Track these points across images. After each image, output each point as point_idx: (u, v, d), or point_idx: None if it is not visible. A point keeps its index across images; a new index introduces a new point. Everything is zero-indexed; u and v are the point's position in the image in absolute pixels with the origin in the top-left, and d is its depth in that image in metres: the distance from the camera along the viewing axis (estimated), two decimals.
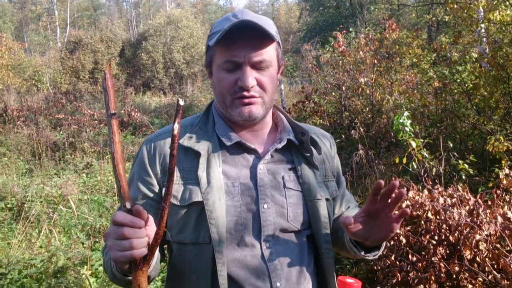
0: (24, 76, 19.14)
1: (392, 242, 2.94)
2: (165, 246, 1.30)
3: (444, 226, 2.83)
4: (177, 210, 1.19)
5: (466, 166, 4.14)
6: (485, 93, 5.71)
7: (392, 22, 8.11)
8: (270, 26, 1.19)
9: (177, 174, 1.20)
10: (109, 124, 0.91)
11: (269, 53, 1.20)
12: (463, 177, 4.21)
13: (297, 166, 1.28)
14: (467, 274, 2.60)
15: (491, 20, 5.42)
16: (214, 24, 1.24)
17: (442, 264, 2.67)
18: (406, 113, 4.04)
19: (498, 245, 2.63)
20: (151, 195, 1.23)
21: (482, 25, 5.90)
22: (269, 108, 1.27)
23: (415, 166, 4.02)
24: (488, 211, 2.82)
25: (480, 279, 2.58)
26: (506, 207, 2.87)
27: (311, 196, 1.26)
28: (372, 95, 7.65)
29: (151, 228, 0.97)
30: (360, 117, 7.66)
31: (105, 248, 1.23)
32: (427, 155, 4.08)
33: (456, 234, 2.72)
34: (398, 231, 2.89)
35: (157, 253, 1.13)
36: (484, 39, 5.98)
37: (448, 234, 2.77)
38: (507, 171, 3.35)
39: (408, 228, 2.97)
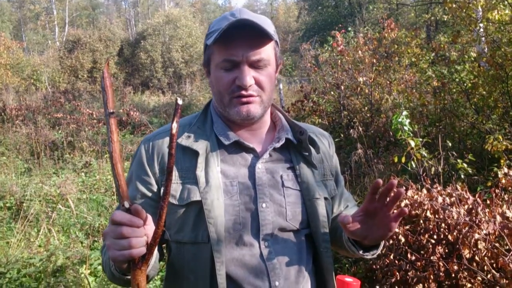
0: (23, 75, 19.11)
1: (391, 241, 2.94)
2: (164, 245, 1.30)
3: (443, 225, 2.83)
4: (175, 210, 1.19)
5: (465, 165, 4.14)
6: (484, 92, 5.72)
7: (391, 21, 8.12)
8: (268, 25, 1.19)
9: (175, 174, 1.20)
10: (108, 123, 0.91)
11: (267, 52, 1.20)
12: (462, 176, 4.22)
13: (295, 165, 1.28)
14: (466, 273, 2.60)
15: (490, 19, 5.43)
16: (212, 23, 1.24)
17: (441, 263, 2.67)
18: (404, 112, 4.04)
19: (497, 244, 2.63)
20: (149, 194, 1.23)
21: (481, 25, 5.91)
22: (267, 107, 1.27)
23: (414, 165, 4.02)
24: (487, 210, 2.82)
25: (479, 278, 2.58)
26: (504, 206, 2.87)
27: (309, 195, 1.26)
28: (371, 94, 7.65)
29: (150, 227, 0.97)
30: (359, 117, 7.66)
31: (103, 248, 1.23)
32: (426, 154, 4.08)
33: (455, 233, 2.73)
34: (397, 230, 2.90)
35: (156, 252, 1.13)
36: (483, 38, 5.99)
37: (447, 233, 2.78)
38: (505, 170, 3.35)
39: (407, 227, 2.97)
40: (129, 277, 1.02)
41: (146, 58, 22.17)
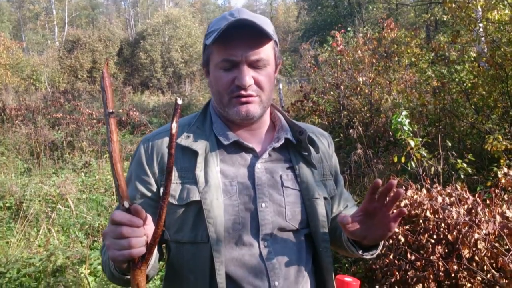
0: (22, 75, 19.11)
1: (390, 241, 2.94)
2: (163, 245, 1.30)
3: (443, 225, 2.83)
4: (175, 209, 1.19)
5: (465, 165, 4.14)
6: (484, 92, 5.72)
7: (391, 21, 8.12)
8: (267, 24, 1.19)
9: (175, 174, 1.20)
10: (107, 123, 0.91)
11: (266, 52, 1.20)
12: (462, 176, 4.22)
13: (295, 165, 1.28)
14: (465, 273, 2.60)
15: (489, 19, 5.43)
16: (211, 23, 1.24)
17: (440, 263, 2.67)
18: (404, 112, 4.04)
19: (496, 244, 2.63)
20: (149, 194, 1.23)
21: (481, 25, 5.91)
22: (267, 107, 1.27)
23: (413, 165, 4.02)
24: (486, 210, 2.82)
25: (479, 277, 2.58)
26: (504, 206, 2.88)
27: (309, 195, 1.26)
28: (371, 94, 7.65)
29: (150, 227, 0.97)
30: (359, 116, 7.66)
31: (103, 247, 1.23)
32: (425, 154, 4.09)
33: (454, 233, 2.73)
34: (396, 230, 2.90)
35: (155, 252, 1.13)
36: (483, 38, 5.99)
37: (446, 233, 2.78)
38: (505, 170, 3.36)
39: (407, 227, 2.97)
40: (128, 277, 1.02)
41: (146, 58, 22.16)
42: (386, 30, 7.94)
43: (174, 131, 0.86)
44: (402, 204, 3.02)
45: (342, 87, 7.94)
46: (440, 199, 2.97)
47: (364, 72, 7.59)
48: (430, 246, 2.77)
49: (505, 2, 5.39)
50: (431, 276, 2.65)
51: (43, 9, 38.87)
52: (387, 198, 1.11)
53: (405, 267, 2.79)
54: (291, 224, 1.23)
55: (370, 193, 1.11)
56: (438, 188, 3.18)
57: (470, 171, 4.21)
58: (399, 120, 3.97)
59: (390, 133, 6.26)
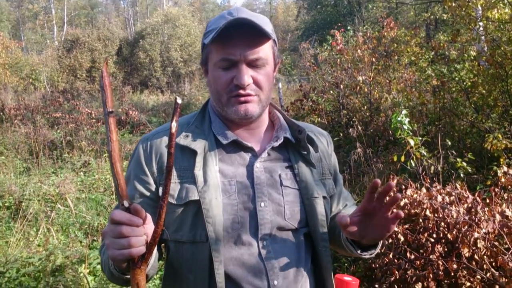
0: (21, 75, 19.09)
1: (390, 240, 2.94)
2: (163, 245, 1.30)
3: (442, 224, 2.83)
4: (173, 209, 1.19)
5: (464, 164, 4.14)
6: (484, 91, 5.72)
7: (390, 20, 8.11)
8: (266, 24, 1.19)
9: (173, 173, 1.20)
10: (107, 123, 0.90)
11: (265, 51, 1.20)
12: (461, 175, 4.22)
13: (294, 164, 1.28)
14: (465, 272, 2.60)
15: (490, 18, 5.42)
16: (210, 22, 1.24)
17: (440, 262, 2.67)
18: (404, 111, 4.05)
19: (496, 243, 2.63)
20: (148, 194, 1.23)
21: (481, 23, 5.90)
22: (266, 106, 1.27)
23: (413, 164, 4.02)
24: (486, 209, 2.82)
25: (478, 276, 2.58)
26: (504, 205, 2.87)
27: (308, 194, 1.26)
28: (370, 93, 7.65)
29: (149, 226, 0.97)
30: (358, 116, 7.66)
31: (102, 247, 1.23)
32: (425, 153, 4.09)
33: (454, 232, 2.72)
34: (396, 229, 2.89)
35: (155, 251, 1.13)
36: (483, 37, 5.98)
37: (446, 232, 2.78)
38: (505, 169, 3.36)
39: (406, 226, 2.97)
40: (128, 276, 1.02)
41: (145, 57, 22.14)
42: (386, 29, 7.93)
43: (174, 130, 0.85)
44: (402, 203, 3.02)
45: (341, 86, 7.94)
46: (439, 198, 2.97)
47: (364, 71, 7.58)
48: (430, 245, 2.77)
49: (505, 1, 5.39)
50: (431, 275, 2.65)
51: (42, 9, 38.84)
52: (386, 198, 1.11)
53: (405, 266, 2.79)
54: (290, 223, 1.23)
55: (369, 192, 1.11)
56: (438, 187, 3.18)
57: (469, 170, 4.21)
58: (399, 119, 3.97)
59: (390, 132, 6.26)
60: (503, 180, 3.28)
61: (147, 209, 1.07)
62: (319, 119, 8.10)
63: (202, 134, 1.25)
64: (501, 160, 4.13)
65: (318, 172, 1.31)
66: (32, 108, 11.41)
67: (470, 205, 2.88)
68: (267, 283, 1.17)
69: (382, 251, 2.97)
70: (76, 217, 5.01)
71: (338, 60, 8.14)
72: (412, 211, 2.98)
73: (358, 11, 20.13)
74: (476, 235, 2.63)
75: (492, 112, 5.72)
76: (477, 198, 2.92)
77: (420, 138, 4.14)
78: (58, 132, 9.29)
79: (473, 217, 2.73)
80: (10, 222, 4.89)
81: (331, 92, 8.33)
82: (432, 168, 4.21)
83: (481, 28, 6.05)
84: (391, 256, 2.90)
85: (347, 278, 1.21)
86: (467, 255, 2.63)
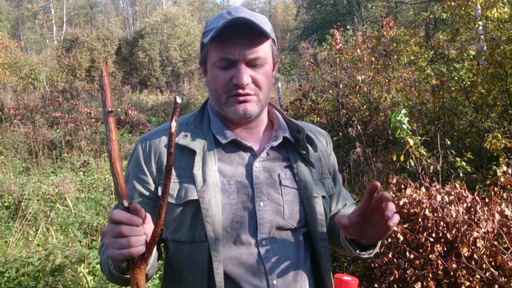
0: (21, 74, 19.07)
1: (389, 240, 2.94)
2: (162, 244, 1.30)
3: (442, 223, 2.83)
4: (173, 209, 1.19)
5: (464, 163, 4.14)
6: (483, 90, 5.72)
7: (390, 19, 8.10)
8: (264, 23, 1.19)
9: (173, 173, 1.20)
10: (106, 122, 0.90)
11: (264, 51, 1.20)
12: (461, 174, 4.22)
13: (293, 164, 1.28)
14: (464, 272, 2.61)
15: (489, 17, 5.42)
16: (209, 22, 1.24)
17: (439, 262, 2.67)
18: (403, 111, 4.04)
19: (495, 243, 2.63)
20: (147, 193, 1.23)
21: (480, 23, 5.90)
22: (264, 106, 1.27)
23: (412, 164, 4.02)
24: (485, 208, 2.82)
25: (478, 276, 2.58)
26: (503, 204, 2.87)
27: (307, 194, 1.26)
28: (370, 92, 7.65)
29: (149, 226, 0.97)
30: (358, 115, 7.66)
31: (101, 247, 1.23)
32: (424, 153, 4.09)
33: (453, 232, 2.73)
34: (395, 228, 2.90)
35: (154, 251, 1.12)
36: (482, 36, 5.98)
37: (445, 232, 2.78)
38: (504, 168, 3.36)
39: (406, 225, 2.97)
40: (128, 276, 1.02)
41: (144, 57, 22.12)
42: (385, 28, 7.93)
43: (173, 129, 0.85)
44: (401, 203, 3.02)
45: (341, 86, 7.93)
46: (439, 197, 2.97)
47: (363, 71, 7.58)
48: (429, 244, 2.78)
49: (505, 0, 5.39)
50: (430, 275, 2.65)
51: (41, 8, 38.81)
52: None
53: (404, 265, 2.79)
54: (289, 223, 1.23)
55: (368, 193, 1.10)
56: (437, 187, 3.18)
57: (469, 170, 4.21)
58: (398, 118, 3.97)
59: (389, 131, 6.25)
60: (502, 179, 3.28)
61: (146, 208, 1.07)
62: (318, 118, 8.10)
63: (201, 134, 1.25)
64: (501, 159, 4.13)
65: (317, 171, 1.31)
66: (31, 107, 11.41)
67: (469, 204, 2.88)
68: (266, 282, 1.17)
69: (382, 250, 2.97)
70: (75, 217, 5.00)
71: (338, 59, 8.13)
72: (412, 210, 2.98)
73: (357, 11, 20.12)
74: (475, 234, 2.64)
75: (491, 112, 5.72)
76: (477, 197, 2.92)
77: (420, 138, 4.14)
78: (57, 131, 9.29)
79: (473, 216, 2.74)
80: (9, 221, 4.89)
81: (331, 91, 8.33)
82: (432, 167, 4.21)
83: (481, 27, 6.06)
84: (390, 255, 2.90)
85: (347, 277, 1.21)
86: (466, 254, 2.63)
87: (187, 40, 22.84)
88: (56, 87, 18.98)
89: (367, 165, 5.88)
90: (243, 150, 1.26)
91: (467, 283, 2.58)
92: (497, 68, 5.26)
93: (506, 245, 2.59)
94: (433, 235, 2.82)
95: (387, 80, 7.65)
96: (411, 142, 3.95)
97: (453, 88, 6.25)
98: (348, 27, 11.14)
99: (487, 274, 2.56)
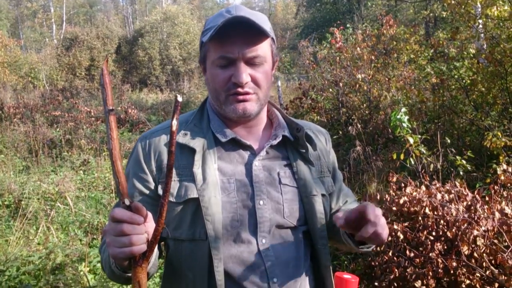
0: (20, 73, 19.06)
1: (389, 238, 2.94)
2: (162, 243, 1.30)
3: (442, 222, 2.83)
4: (173, 207, 1.19)
5: (464, 162, 4.14)
6: (483, 89, 5.72)
7: (390, 18, 8.09)
8: (264, 22, 1.19)
9: (173, 171, 1.20)
10: (107, 121, 0.90)
11: (264, 49, 1.20)
12: (461, 173, 4.22)
13: (292, 162, 1.28)
14: (464, 270, 2.61)
15: (489, 15, 5.41)
16: (208, 20, 1.24)
17: (439, 260, 2.68)
18: (403, 109, 4.04)
19: (495, 241, 2.63)
20: (147, 192, 1.23)
21: (480, 21, 5.89)
22: (264, 105, 1.27)
23: (412, 162, 4.03)
24: (485, 206, 2.83)
25: (478, 274, 2.58)
26: (503, 202, 2.88)
27: (306, 192, 1.26)
28: (370, 91, 7.65)
29: (150, 224, 0.97)
30: (358, 114, 7.66)
31: (102, 246, 1.23)
32: (424, 151, 4.09)
33: (453, 230, 2.73)
34: (395, 227, 2.90)
35: (156, 249, 1.13)
36: (482, 35, 5.98)
37: (445, 230, 2.78)
38: (504, 166, 3.36)
39: (406, 224, 2.98)
40: (129, 274, 1.02)
41: (144, 55, 22.10)
42: (385, 26, 7.92)
43: (174, 128, 0.85)
44: (401, 201, 3.03)
45: (341, 84, 7.93)
46: (439, 196, 2.98)
47: (363, 69, 7.57)
48: (429, 243, 2.78)
49: None
50: (430, 273, 2.65)
51: (40, 7, 38.79)
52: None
53: (404, 264, 2.79)
54: (289, 221, 1.23)
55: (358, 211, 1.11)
56: (437, 185, 3.19)
57: (469, 168, 4.21)
58: (398, 117, 3.97)
59: (389, 130, 6.26)
60: (502, 178, 3.28)
61: (146, 207, 1.07)
62: (318, 117, 8.10)
63: (200, 132, 1.25)
64: (501, 158, 4.13)
65: (316, 170, 1.31)
66: (31, 106, 11.40)
67: (469, 203, 2.88)
68: (266, 280, 1.17)
69: (382, 249, 2.98)
70: (75, 216, 5.01)
71: (337, 58, 8.13)
72: (412, 209, 2.98)
73: (357, 9, 20.10)
74: (475, 233, 2.64)
75: (491, 110, 5.72)
76: (477, 196, 2.92)
77: (420, 136, 4.13)
78: (57, 130, 9.29)
79: (473, 215, 2.74)
80: (10, 220, 4.89)
81: (330, 90, 8.32)
82: (432, 166, 4.21)
83: (481, 26, 6.05)
84: (390, 254, 2.90)
85: (347, 276, 1.21)
86: (466, 253, 2.63)
87: (187, 39, 22.81)
88: (56, 86, 18.97)
89: (367, 164, 5.88)
90: (242, 148, 1.26)
91: (467, 282, 2.58)
92: (497, 67, 5.26)
93: (506, 244, 2.60)
94: (433, 233, 2.82)
95: (387, 79, 7.65)
96: (411, 140, 3.95)
97: (453, 87, 6.25)
98: (348, 25, 11.15)
99: (487, 272, 2.56)
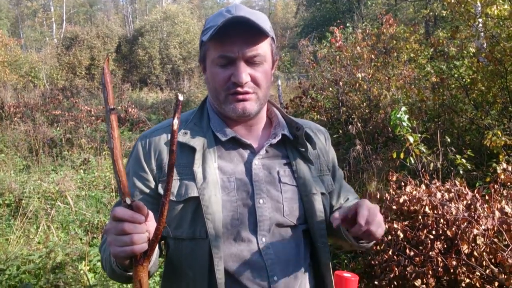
0: (21, 72, 19.06)
1: (389, 237, 2.95)
2: (163, 241, 1.30)
3: (442, 220, 2.83)
4: (173, 206, 1.19)
5: (464, 161, 4.15)
6: (483, 88, 5.71)
7: (390, 17, 8.09)
8: (264, 21, 1.19)
9: (174, 170, 1.20)
10: (108, 120, 0.90)
11: (263, 49, 1.20)
12: (461, 171, 4.23)
13: (292, 161, 1.28)
14: (464, 269, 2.61)
15: (489, 14, 5.41)
16: (208, 20, 1.24)
17: (439, 259, 2.68)
18: (403, 108, 4.04)
19: (495, 240, 2.64)
20: (147, 191, 1.23)
21: (480, 20, 5.89)
22: (264, 104, 1.27)
23: (412, 161, 4.03)
24: (485, 205, 2.83)
25: (478, 273, 2.59)
26: (503, 201, 2.88)
27: (306, 191, 1.26)
28: (370, 90, 7.65)
29: (151, 223, 0.97)
30: (358, 113, 7.66)
31: (102, 244, 1.23)
32: (424, 150, 4.09)
33: (453, 229, 2.73)
34: (395, 225, 2.90)
35: (156, 248, 1.13)
36: (482, 33, 5.97)
37: (445, 229, 2.78)
38: (504, 165, 3.36)
39: (406, 223, 2.98)
40: (130, 273, 1.02)
41: (144, 54, 22.10)
42: (385, 25, 7.92)
43: (175, 127, 0.85)
44: (401, 200, 3.03)
45: (341, 83, 7.93)
46: (439, 195, 2.98)
47: (363, 68, 7.57)
48: (429, 241, 2.78)
49: None
50: (430, 272, 2.66)
51: (41, 6, 38.76)
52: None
53: (404, 262, 2.79)
54: (289, 220, 1.24)
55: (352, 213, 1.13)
56: (437, 184, 3.19)
57: (469, 167, 4.21)
58: (398, 116, 3.97)
59: (389, 129, 6.26)
60: (502, 176, 3.28)
61: (147, 206, 1.07)
62: (318, 116, 8.10)
63: (200, 131, 1.25)
64: (501, 157, 4.13)
65: (316, 168, 1.32)
66: (31, 105, 11.41)
67: (469, 201, 2.88)
68: (266, 279, 1.18)
69: (382, 248, 2.98)
70: (76, 215, 5.01)
71: (337, 57, 8.13)
72: (412, 208, 2.98)
73: (357, 8, 20.09)
74: (475, 231, 2.64)
75: (491, 109, 5.72)
76: (477, 195, 2.92)
77: (420, 135, 4.14)
78: (57, 129, 9.29)
79: (473, 213, 2.74)
80: (10, 219, 4.89)
81: (330, 89, 8.33)
82: (432, 165, 4.22)
83: (480, 25, 6.04)
84: (390, 252, 2.91)
85: (347, 274, 1.22)
86: (466, 251, 2.63)
87: (187, 38, 22.82)
88: (56, 85, 18.98)
89: (367, 163, 5.88)
90: (242, 147, 1.26)
91: (467, 280, 2.58)
92: (497, 66, 5.26)
93: (506, 242, 2.60)
94: (433, 232, 2.82)
95: (387, 78, 7.65)
96: (411, 139, 3.95)
97: (453, 86, 6.24)
98: (348, 24, 11.15)
99: (487, 271, 2.56)
